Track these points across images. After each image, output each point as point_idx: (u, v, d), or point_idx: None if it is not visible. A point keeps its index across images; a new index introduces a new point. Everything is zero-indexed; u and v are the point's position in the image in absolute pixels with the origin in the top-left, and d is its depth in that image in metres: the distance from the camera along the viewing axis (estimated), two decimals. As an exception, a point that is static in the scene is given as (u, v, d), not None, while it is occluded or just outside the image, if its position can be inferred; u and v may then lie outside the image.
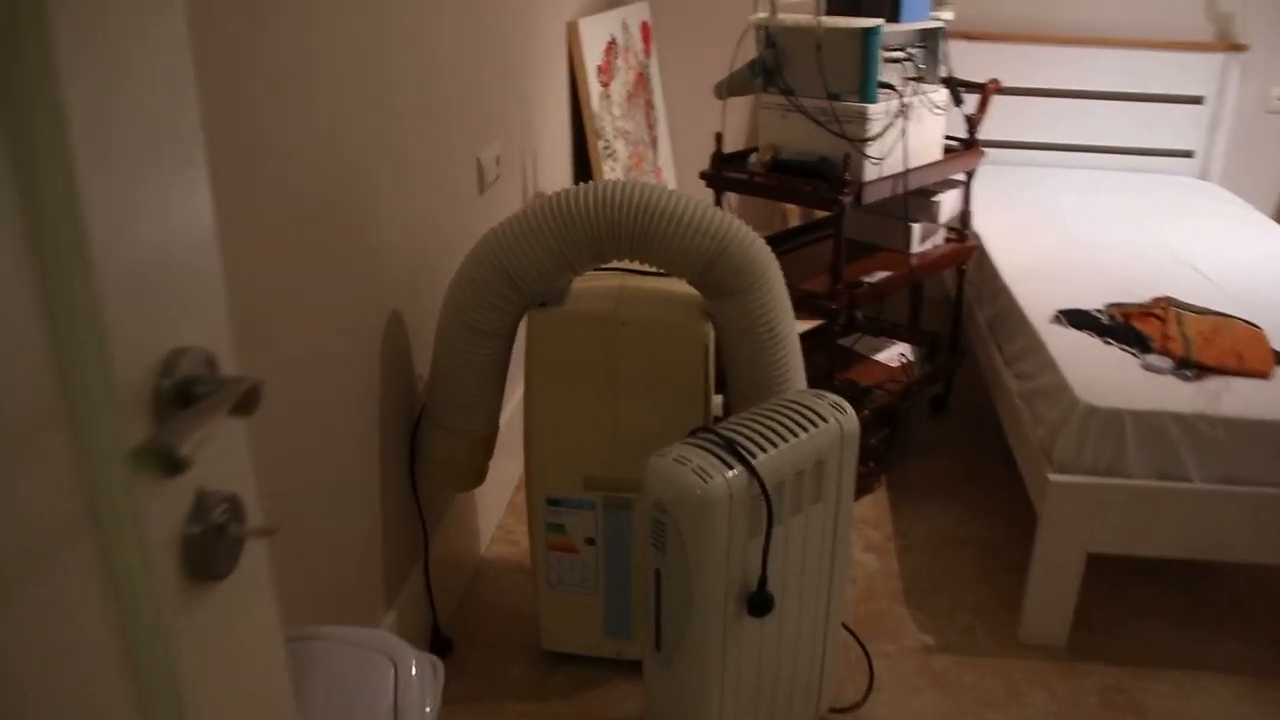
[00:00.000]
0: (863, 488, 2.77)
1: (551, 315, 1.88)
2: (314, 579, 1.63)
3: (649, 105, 3.84)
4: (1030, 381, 2.38)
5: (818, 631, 1.84)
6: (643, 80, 3.78)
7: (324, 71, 1.55)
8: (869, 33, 2.44)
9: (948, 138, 2.86)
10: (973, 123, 2.90)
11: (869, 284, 2.66)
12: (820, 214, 3.55)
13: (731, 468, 1.56)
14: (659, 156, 3.91)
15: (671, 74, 4.06)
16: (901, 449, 3.01)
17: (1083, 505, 2.08)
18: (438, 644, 2.16)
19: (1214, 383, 2.14)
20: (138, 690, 0.64)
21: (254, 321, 1.38)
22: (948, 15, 2.74)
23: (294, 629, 1.40)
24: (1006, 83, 3.50)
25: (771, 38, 2.63)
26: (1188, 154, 3.82)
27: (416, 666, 1.45)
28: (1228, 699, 2.08)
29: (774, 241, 3.04)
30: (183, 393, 0.63)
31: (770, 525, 1.61)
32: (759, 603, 1.63)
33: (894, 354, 3.10)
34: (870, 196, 2.55)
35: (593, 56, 3.33)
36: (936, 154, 2.79)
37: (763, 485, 1.57)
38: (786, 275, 1.92)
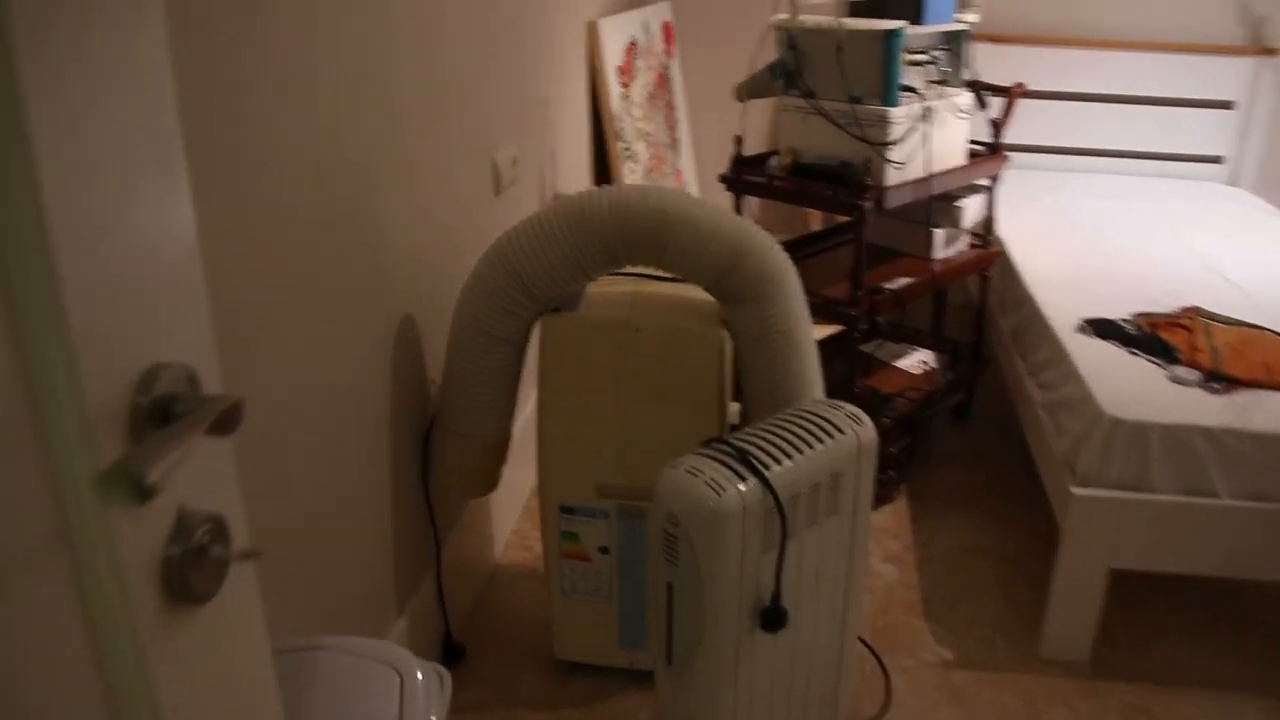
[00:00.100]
0: (883, 496, 2.73)
1: (565, 321, 1.86)
2: (324, 585, 1.61)
3: (670, 106, 3.81)
4: (1054, 392, 2.34)
5: (833, 645, 1.80)
6: (664, 81, 3.75)
7: (330, 70, 1.53)
8: (891, 35, 2.40)
9: (972, 142, 2.82)
10: (997, 127, 2.86)
11: (890, 290, 2.62)
12: (842, 218, 3.51)
13: (745, 480, 1.52)
14: (680, 158, 3.88)
15: (693, 75, 4.03)
16: (922, 457, 2.97)
17: (1106, 520, 2.04)
18: (450, 650, 2.13)
19: (1243, 396, 2.09)
20: (113, 717, 0.61)
21: (264, 326, 1.36)
22: (972, 17, 2.70)
23: (296, 639, 1.38)
24: (1032, 86, 3.45)
25: (792, 39, 2.60)
26: (1217, 160, 3.75)
27: (422, 677, 1.42)
28: (1254, 720, 2.03)
29: (795, 246, 3.01)
30: (162, 410, 0.61)
31: (784, 539, 1.57)
32: (772, 617, 1.60)
33: (916, 361, 3.06)
34: (892, 202, 2.51)
35: (613, 57, 3.30)
36: (960, 158, 2.75)
37: (777, 498, 1.54)
38: (807, 280, 1.89)
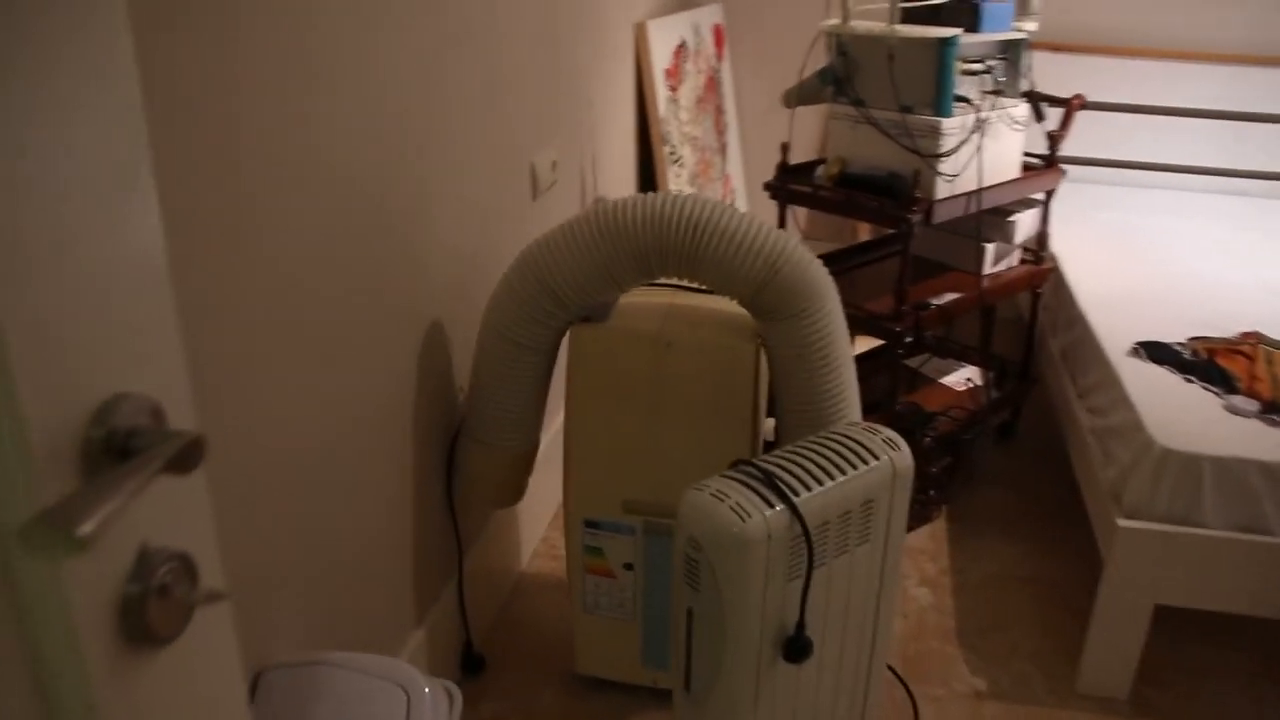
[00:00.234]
0: (921, 517, 2.65)
1: (594, 331, 1.81)
2: (341, 594, 1.58)
3: (719, 111, 3.75)
4: (1103, 418, 2.25)
5: (859, 677, 1.74)
6: (713, 85, 3.69)
7: (365, 68, 1.49)
8: (945, 43, 2.33)
9: (1027, 154, 2.73)
10: (1054, 140, 2.77)
11: (936, 306, 2.54)
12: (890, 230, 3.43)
13: (772, 506, 1.47)
14: (728, 164, 3.82)
15: (745, 79, 3.97)
16: (965, 478, 2.88)
17: (1153, 554, 1.95)
18: (470, 662, 2.10)
19: (1304, 430, 1.99)
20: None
21: (288, 328, 1.33)
22: (1031, 26, 2.61)
23: (301, 654, 1.35)
24: (1092, 97, 3.34)
25: (842, 45, 2.53)
26: (1286, 178, 3.62)
27: (430, 695, 1.39)
28: (1304, 770, 1.94)
29: (841, 257, 2.94)
30: (120, 444, 0.57)
31: (811, 568, 1.52)
32: (796, 648, 1.54)
33: (961, 378, 2.98)
34: (941, 215, 2.43)
35: (661, 59, 3.25)
36: (1014, 171, 2.66)
37: (804, 525, 1.48)
38: (853, 292, 1.83)
